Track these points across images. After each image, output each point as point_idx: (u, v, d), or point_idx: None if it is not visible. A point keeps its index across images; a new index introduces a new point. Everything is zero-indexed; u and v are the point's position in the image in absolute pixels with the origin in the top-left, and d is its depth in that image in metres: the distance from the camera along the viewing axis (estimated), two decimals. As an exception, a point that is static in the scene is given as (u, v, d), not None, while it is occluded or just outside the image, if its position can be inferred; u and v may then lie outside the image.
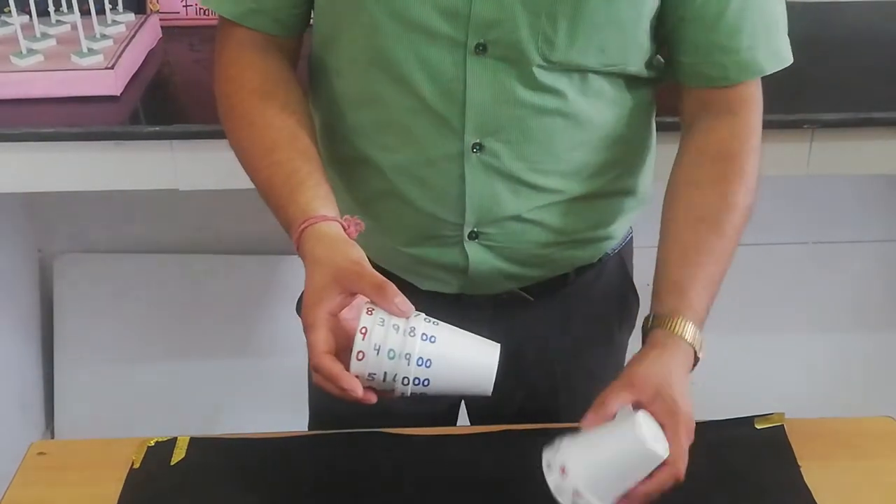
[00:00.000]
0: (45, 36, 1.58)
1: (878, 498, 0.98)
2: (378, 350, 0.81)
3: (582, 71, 0.95)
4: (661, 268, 0.99)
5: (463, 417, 1.30)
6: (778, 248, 2.15)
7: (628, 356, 1.26)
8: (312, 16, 1.05)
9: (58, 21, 1.64)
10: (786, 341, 2.21)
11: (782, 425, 1.04)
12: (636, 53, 0.98)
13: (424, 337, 0.83)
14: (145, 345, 2.12)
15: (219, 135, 1.42)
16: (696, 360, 0.95)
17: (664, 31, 0.99)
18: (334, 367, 0.82)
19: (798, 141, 1.51)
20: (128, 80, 1.55)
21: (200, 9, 1.80)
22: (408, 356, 0.82)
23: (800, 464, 1.00)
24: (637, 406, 0.89)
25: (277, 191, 0.94)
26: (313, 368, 0.83)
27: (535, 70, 0.93)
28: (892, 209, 2.14)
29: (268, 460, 1.01)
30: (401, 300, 0.83)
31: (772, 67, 1.00)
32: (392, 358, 0.82)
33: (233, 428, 1.11)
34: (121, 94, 1.51)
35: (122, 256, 2.09)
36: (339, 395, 0.83)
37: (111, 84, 1.50)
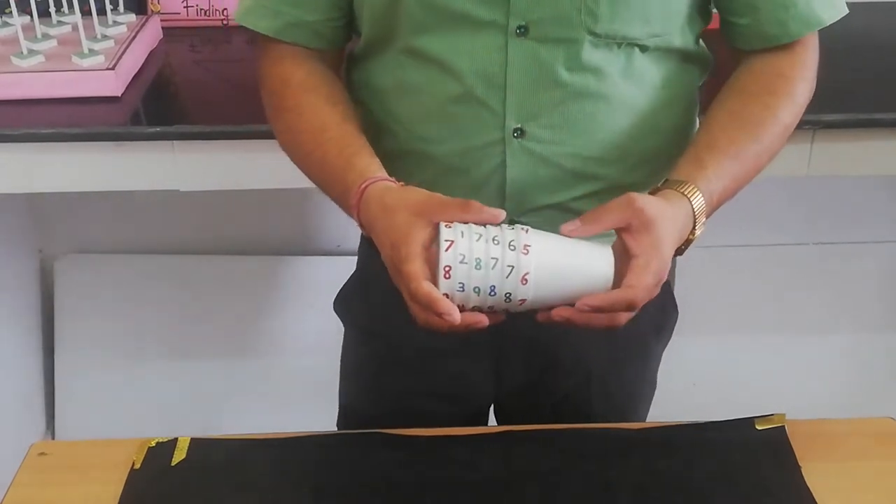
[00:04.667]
0: (45, 37, 1.58)
1: (879, 498, 0.97)
2: (465, 260, 0.81)
3: (627, 44, 0.94)
4: (688, 148, 0.98)
5: (491, 420, 1.29)
6: (778, 248, 2.15)
7: (661, 370, 1.26)
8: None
9: (59, 22, 1.64)
10: (786, 341, 2.21)
11: (783, 426, 1.04)
12: (680, 22, 0.97)
13: (513, 246, 0.82)
14: (146, 345, 2.12)
15: (219, 136, 1.44)
16: (690, 239, 0.93)
17: None
18: (433, 291, 0.81)
19: (799, 141, 1.51)
20: (129, 80, 1.55)
21: (201, 9, 1.80)
22: (497, 263, 0.81)
23: (800, 464, 1.00)
24: (625, 230, 0.87)
25: (332, 162, 0.95)
26: (411, 297, 0.83)
27: (580, 47, 0.92)
28: (893, 210, 2.14)
29: (268, 460, 1.01)
30: (490, 209, 0.83)
31: (830, 17, 1.00)
32: (479, 268, 0.81)
33: (233, 428, 1.11)
34: (122, 94, 1.51)
35: (122, 257, 2.09)
36: (437, 325, 0.83)
37: (112, 85, 1.50)
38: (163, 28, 1.75)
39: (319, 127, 0.98)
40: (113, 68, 1.50)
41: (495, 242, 0.83)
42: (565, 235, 0.86)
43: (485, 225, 0.85)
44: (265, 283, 2.09)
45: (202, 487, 0.98)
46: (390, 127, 1.02)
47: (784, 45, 1.00)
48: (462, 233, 0.83)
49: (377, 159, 0.94)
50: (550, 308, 0.86)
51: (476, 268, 0.82)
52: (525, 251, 0.83)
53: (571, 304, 0.85)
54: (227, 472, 1.00)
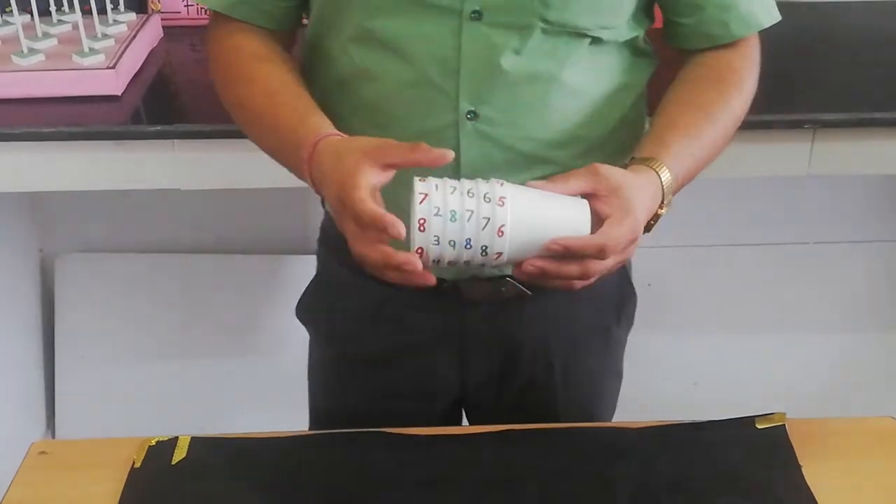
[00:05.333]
0: (46, 35, 1.58)
1: (880, 498, 0.97)
2: (439, 213, 0.80)
3: (578, 34, 0.97)
4: (648, 133, 1.00)
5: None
6: (778, 248, 2.15)
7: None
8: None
9: (59, 21, 1.64)
10: (785, 341, 2.21)
11: (783, 425, 1.04)
12: (627, 17, 1.00)
13: (488, 199, 0.82)
14: (146, 344, 2.12)
15: (220, 134, 1.44)
16: (658, 214, 0.94)
17: None
18: (377, 209, 0.81)
19: (799, 141, 1.51)
20: (129, 79, 1.55)
21: (201, 8, 1.80)
22: (472, 216, 0.81)
23: (801, 464, 1.00)
24: (592, 196, 0.88)
25: (284, 122, 0.95)
26: (357, 221, 0.83)
27: (532, 33, 0.94)
28: (893, 210, 2.13)
29: (268, 460, 1.01)
30: (438, 150, 0.83)
31: (767, 21, 1.06)
32: (454, 220, 0.81)
33: (233, 428, 1.11)
34: (122, 93, 1.51)
35: (123, 256, 2.09)
36: (391, 261, 0.82)
37: (112, 84, 1.50)
38: (163, 27, 1.76)
39: (271, 91, 0.98)
40: (113, 67, 1.50)
41: (470, 195, 0.82)
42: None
43: (459, 178, 0.85)
44: (265, 282, 2.09)
45: (202, 486, 0.98)
46: (343, 118, 1.01)
47: (729, 43, 1.05)
48: (436, 186, 0.82)
49: (328, 120, 0.94)
50: (526, 257, 0.86)
51: (451, 220, 0.81)
52: (501, 203, 0.82)
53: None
54: (227, 471, 1.00)
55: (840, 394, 2.16)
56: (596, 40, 0.99)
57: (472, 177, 0.88)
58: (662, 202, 0.94)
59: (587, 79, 1.00)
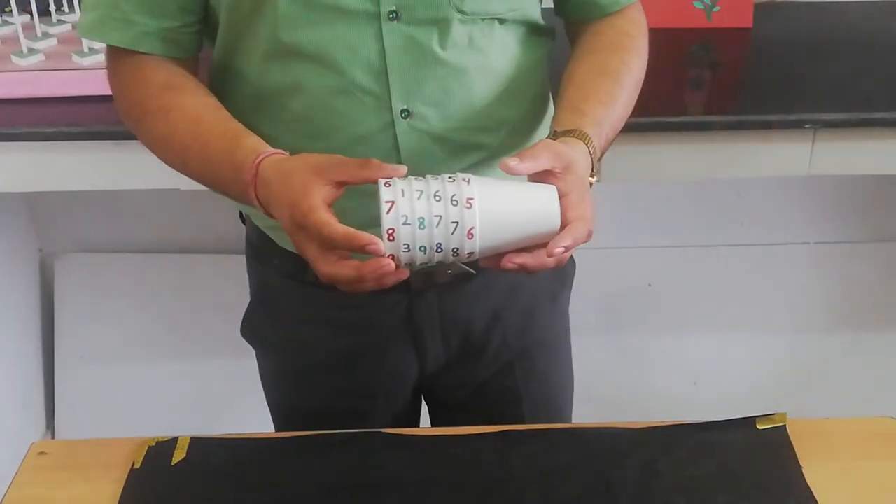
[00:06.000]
0: (46, 35, 1.58)
1: (880, 498, 0.97)
2: (408, 221, 0.80)
3: (491, 19, 0.99)
4: (560, 103, 1.01)
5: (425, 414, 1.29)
6: (778, 248, 2.15)
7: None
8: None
9: (59, 20, 1.64)
10: (786, 341, 2.21)
11: (784, 425, 1.04)
12: None
13: (455, 201, 0.81)
14: (145, 345, 2.12)
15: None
16: (591, 182, 0.94)
17: None
18: (349, 228, 0.81)
19: (800, 141, 1.51)
20: (128, 79, 1.55)
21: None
22: (441, 221, 0.80)
23: (801, 464, 1.00)
24: (549, 173, 0.88)
25: (215, 148, 0.93)
26: (327, 243, 0.81)
27: (450, 25, 0.96)
28: (893, 210, 2.14)
29: (268, 460, 1.01)
30: (390, 165, 0.83)
31: None
32: (423, 227, 0.80)
33: (233, 428, 1.11)
34: (121, 93, 1.51)
35: (122, 256, 2.09)
36: (363, 271, 0.81)
37: (112, 84, 1.49)
38: (163, 27, 1.75)
39: (193, 119, 0.96)
40: (113, 67, 1.50)
41: (437, 198, 0.82)
42: (503, 171, 0.86)
43: (425, 177, 0.84)
44: (265, 282, 2.09)
45: (202, 487, 0.98)
46: (266, 131, 0.99)
47: (617, 11, 1.08)
48: (402, 191, 0.81)
49: (263, 139, 0.93)
50: (499, 255, 0.86)
51: (420, 227, 0.81)
52: (468, 205, 0.82)
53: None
54: (226, 471, 1.00)
55: (840, 394, 2.16)
56: (505, 21, 1.01)
57: (413, 172, 0.86)
58: (592, 171, 0.94)
59: (503, 61, 1.02)
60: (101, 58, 1.51)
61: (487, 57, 1.00)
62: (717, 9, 1.77)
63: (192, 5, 0.99)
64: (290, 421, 1.23)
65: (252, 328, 1.23)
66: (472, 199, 0.82)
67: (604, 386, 2.01)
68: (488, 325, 1.16)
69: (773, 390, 2.10)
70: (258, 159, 0.88)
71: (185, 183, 1.51)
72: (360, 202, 0.87)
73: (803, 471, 0.99)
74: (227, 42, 1.01)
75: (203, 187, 1.40)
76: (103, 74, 1.49)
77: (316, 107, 0.98)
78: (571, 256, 1.21)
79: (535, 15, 1.05)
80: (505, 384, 1.20)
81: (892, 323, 2.21)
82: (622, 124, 1.03)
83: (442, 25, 0.96)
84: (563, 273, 1.22)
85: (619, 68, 1.03)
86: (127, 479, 0.98)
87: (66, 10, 1.68)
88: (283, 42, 0.95)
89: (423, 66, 0.97)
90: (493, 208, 0.83)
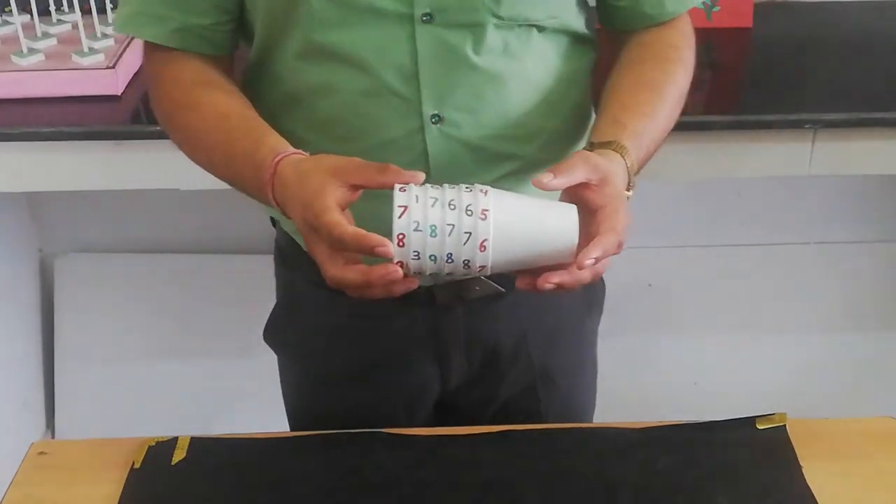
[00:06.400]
0: (45, 35, 1.58)
1: (880, 498, 0.97)
2: (419, 228, 0.78)
3: (527, 25, 0.97)
4: (600, 114, 0.99)
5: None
6: (778, 248, 2.15)
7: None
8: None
9: (59, 20, 1.64)
10: (786, 341, 2.21)
11: (784, 425, 1.04)
12: (572, 4, 1.01)
13: (470, 211, 0.79)
14: (145, 345, 2.11)
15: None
16: (627, 196, 0.92)
17: None
18: (359, 230, 0.79)
19: (800, 141, 1.51)
20: (129, 79, 1.55)
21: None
22: (453, 230, 0.79)
23: (801, 464, 1.00)
24: (584, 186, 0.86)
25: (239, 146, 0.93)
26: (337, 245, 0.80)
27: (485, 30, 0.94)
28: (893, 210, 2.13)
29: (268, 460, 1.01)
30: (409, 171, 0.81)
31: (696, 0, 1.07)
32: (434, 235, 0.79)
33: (233, 428, 1.11)
34: (122, 93, 1.51)
35: (122, 256, 2.09)
36: (371, 277, 0.80)
37: (112, 83, 1.50)
38: (163, 27, 1.75)
39: (220, 116, 0.96)
40: (113, 67, 1.50)
41: (451, 207, 0.80)
42: (537, 187, 0.85)
43: (442, 185, 0.83)
44: (265, 282, 2.08)
45: (202, 487, 0.98)
46: (296, 131, 0.99)
47: (665, 21, 1.05)
48: (416, 197, 0.80)
49: (285, 140, 0.92)
50: (513, 268, 0.85)
51: (431, 235, 0.79)
52: (483, 216, 0.80)
53: (540, 267, 0.84)
54: (226, 471, 1.00)
55: (840, 394, 2.16)
56: (544, 30, 0.99)
57: (441, 180, 0.85)
58: (629, 185, 0.93)
59: (541, 70, 1.00)
60: (101, 58, 1.51)
61: (524, 64, 0.98)
62: (717, 9, 1.77)
63: (227, 4, 0.99)
64: (307, 428, 1.20)
65: (275, 333, 1.22)
66: (487, 210, 0.80)
67: (604, 386, 2.00)
68: (513, 345, 1.14)
69: (773, 390, 2.10)
70: (277, 158, 0.88)
71: (185, 183, 1.52)
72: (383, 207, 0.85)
73: (803, 471, 0.99)
74: (262, 42, 1.00)
75: (201, 188, 1.40)
76: (103, 74, 1.50)
77: (346, 108, 0.97)
78: (602, 279, 1.19)
79: (577, 24, 1.03)
80: (527, 405, 1.18)
81: (892, 323, 2.21)
82: (664, 137, 1.00)
83: (476, 30, 0.94)
84: (592, 296, 1.20)
85: (663, 80, 1.01)
86: (127, 479, 0.98)
87: (66, 10, 1.68)
88: (315, 42, 0.95)
89: (455, 71, 0.95)
90: (508, 221, 0.81)
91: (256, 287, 2.09)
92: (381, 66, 0.94)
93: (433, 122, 0.96)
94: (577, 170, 0.86)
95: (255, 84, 1.04)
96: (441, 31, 0.93)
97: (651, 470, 0.99)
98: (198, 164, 1.00)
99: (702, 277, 2.15)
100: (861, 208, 2.13)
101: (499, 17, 0.94)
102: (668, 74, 1.02)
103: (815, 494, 0.96)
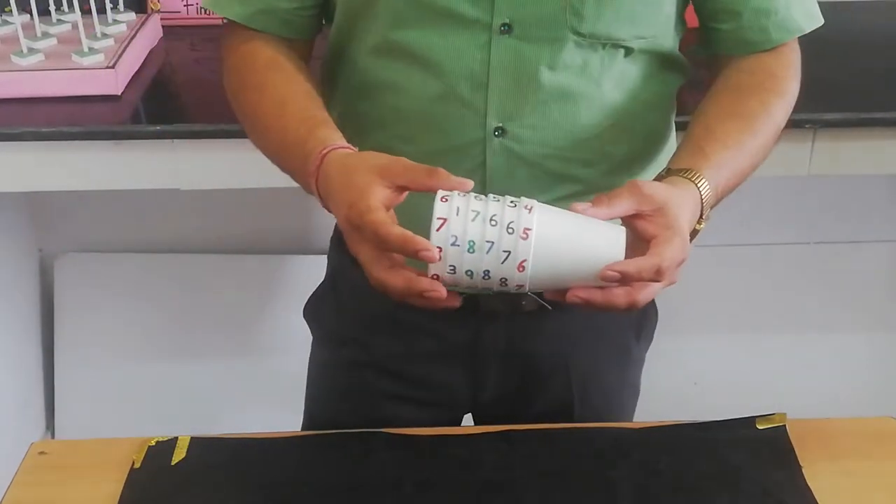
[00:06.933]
0: (45, 35, 1.58)
1: (880, 498, 0.97)
2: (456, 242, 0.76)
3: (612, 45, 0.94)
4: (684, 140, 0.95)
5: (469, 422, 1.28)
6: (778, 248, 2.15)
7: (644, 374, 1.24)
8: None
9: (58, 20, 1.64)
10: (786, 341, 2.21)
11: (784, 425, 1.04)
12: (666, 25, 0.97)
13: (511, 229, 0.76)
14: (145, 345, 2.11)
15: (220, 134, 1.44)
16: (697, 230, 0.90)
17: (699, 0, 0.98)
18: (406, 231, 0.77)
19: (800, 141, 1.51)
20: (129, 79, 1.55)
21: (201, 8, 1.80)
22: (492, 248, 0.76)
23: (801, 464, 1.00)
24: (636, 217, 0.83)
25: (293, 133, 0.91)
26: (382, 245, 0.78)
27: (563, 46, 0.92)
28: (893, 210, 2.13)
29: (268, 460, 1.01)
30: (458, 178, 0.78)
31: (809, 26, 1.02)
32: (472, 251, 0.76)
33: (233, 428, 1.11)
34: (122, 93, 1.51)
35: (122, 256, 2.09)
36: (414, 288, 0.78)
37: (112, 83, 1.50)
38: (163, 26, 1.75)
39: (281, 101, 0.95)
40: (113, 67, 1.50)
41: (493, 223, 0.77)
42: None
43: (486, 195, 0.80)
44: (265, 282, 2.09)
45: (202, 487, 0.98)
46: (365, 127, 0.99)
47: (769, 49, 1.01)
48: (457, 209, 0.77)
49: (339, 132, 0.91)
50: (553, 288, 0.82)
51: (469, 251, 0.77)
52: (525, 236, 0.77)
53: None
54: (226, 471, 1.00)
55: (840, 394, 2.16)
56: (630, 51, 0.96)
57: (499, 193, 0.82)
58: (701, 217, 0.89)
59: (619, 93, 0.97)
60: (101, 58, 1.51)
61: (600, 86, 0.95)
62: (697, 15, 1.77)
63: None
64: (326, 414, 1.19)
65: (315, 310, 1.21)
66: (529, 229, 0.77)
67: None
68: (552, 365, 1.12)
69: (773, 390, 2.10)
70: (325, 150, 0.86)
71: (185, 183, 1.52)
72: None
73: (803, 471, 0.99)
74: (342, 29, 1.00)
75: (201, 188, 1.40)
76: (103, 74, 1.50)
77: (412, 109, 0.96)
78: (654, 306, 1.17)
79: (670, 46, 0.99)
80: (560, 420, 1.14)
81: (892, 323, 2.21)
82: (751, 171, 0.97)
83: (554, 46, 0.92)
84: (643, 323, 1.17)
85: (758, 112, 0.96)
86: (127, 479, 0.98)
87: (66, 9, 1.68)
88: (391, 39, 0.94)
89: (526, 86, 0.93)
90: (550, 243, 0.78)
91: (257, 287, 2.11)
92: (452, 72, 0.93)
93: (496, 135, 0.95)
94: (619, 202, 0.82)
95: (335, 67, 1.04)
96: (517, 43, 0.92)
97: (651, 470, 0.99)
98: (254, 144, 1.00)
99: (702, 277, 2.14)
100: (861, 208, 2.13)
101: (579, 34, 0.92)
102: (764, 105, 0.97)
103: (815, 494, 0.96)
